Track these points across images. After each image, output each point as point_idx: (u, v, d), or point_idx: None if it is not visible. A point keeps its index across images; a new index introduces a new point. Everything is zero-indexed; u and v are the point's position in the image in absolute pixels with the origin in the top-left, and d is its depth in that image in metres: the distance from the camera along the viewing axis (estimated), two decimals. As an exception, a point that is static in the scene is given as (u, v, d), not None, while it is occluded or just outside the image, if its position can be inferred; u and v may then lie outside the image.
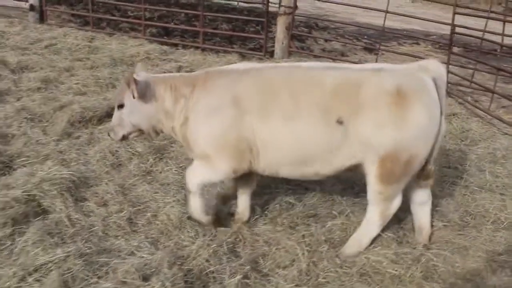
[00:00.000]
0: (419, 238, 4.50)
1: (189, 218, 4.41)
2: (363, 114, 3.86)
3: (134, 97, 4.13)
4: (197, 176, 4.24)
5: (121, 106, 4.25)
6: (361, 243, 4.25)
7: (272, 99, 3.98)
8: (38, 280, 3.55)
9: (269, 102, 3.98)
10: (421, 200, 4.50)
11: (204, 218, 4.35)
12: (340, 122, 3.87)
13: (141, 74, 4.28)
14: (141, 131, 4.41)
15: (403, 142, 3.88)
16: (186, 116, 4.14)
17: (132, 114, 4.24)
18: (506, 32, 9.39)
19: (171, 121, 4.25)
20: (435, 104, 3.97)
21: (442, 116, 4.06)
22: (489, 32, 9.53)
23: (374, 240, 4.35)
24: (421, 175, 4.24)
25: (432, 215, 4.75)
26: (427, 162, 4.17)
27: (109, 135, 4.51)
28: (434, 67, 4.12)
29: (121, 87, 4.31)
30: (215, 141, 4.05)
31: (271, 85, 4.04)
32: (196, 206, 4.31)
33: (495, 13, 10.98)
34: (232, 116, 4.00)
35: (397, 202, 4.18)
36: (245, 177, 4.48)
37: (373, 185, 4.07)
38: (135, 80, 4.08)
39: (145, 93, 4.16)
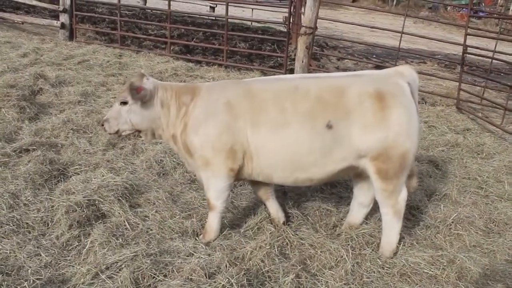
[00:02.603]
0: (346, 230, 4.67)
1: (199, 238, 4.43)
2: (349, 118, 4.04)
3: (135, 101, 4.21)
4: (212, 190, 4.33)
5: (124, 103, 4.25)
6: (392, 242, 4.41)
7: (261, 108, 4.12)
8: (110, 277, 3.71)
9: (258, 111, 4.12)
10: (363, 202, 4.70)
11: (216, 235, 4.43)
12: (329, 126, 4.02)
13: (150, 79, 4.34)
14: (137, 131, 4.43)
15: (389, 141, 4.06)
16: (185, 123, 4.26)
17: (133, 114, 4.26)
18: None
19: (172, 128, 4.33)
20: (411, 105, 4.18)
21: (417, 115, 4.25)
22: (497, 52, 9.75)
23: (407, 241, 4.53)
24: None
25: (456, 223, 4.96)
26: None
27: (102, 125, 4.39)
28: (408, 73, 4.34)
29: (126, 86, 4.31)
30: (212, 143, 4.15)
31: (259, 95, 4.18)
32: (215, 224, 4.41)
33: (504, 34, 11.20)
34: (226, 120, 4.13)
35: (403, 196, 4.32)
36: (261, 185, 4.63)
37: (375, 184, 4.25)
38: (138, 87, 4.14)
39: (151, 98, 4.23)
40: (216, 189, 4.30)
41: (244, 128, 4.12)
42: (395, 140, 4.07)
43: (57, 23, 12.93)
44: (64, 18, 12.78)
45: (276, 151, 4.12)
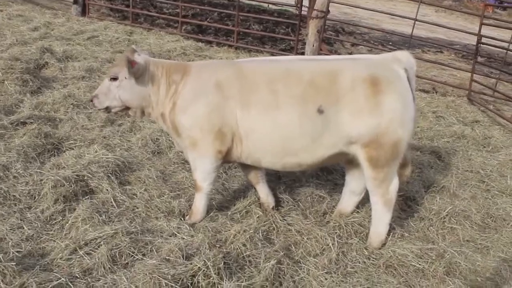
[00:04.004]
0: (335, 218, 4.57)
1: (186, 219, 4.39)
2: (341, 103, 3.91)
3: (127, 77, 4.11)
4: (199, 171, 4.26)
5: (114, 79, 4.14)
6: (380, 233, 4.31)
7: (252, 90, 4.01)
8: (88, 253, 3.70)
9: (249, 92, 4.01)
10: (354, 190, 4.60)
11: (203, 217, 4.38)
12: (320, 111, 3.90)
13: (142, 55, 4.21)
14: (127, 108, 4.30)
15: (381, 128, 3.94)
16: (174, 102, 4.15)
17: (123, 91, 4.15)
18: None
19: (161, 106, 4.22)
20: (407, 92, 4.05)
21: (414, 103, 4.12)
22: (514, 43, 9.49)
23: (397, 232, 4.43)
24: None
25: (450, 216, 4.86)
26: None
27: (91, 101, 4.29)
28: (405, 58, 4.18)
29: (118, 61, 4.24)
30: (200, 123, 4.06)
31: (250, 77, 4.07)
32: (201, 206, 4.35)
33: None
34: (215, 99, 4.04)
35: (394, 186, 4.22)
36: (251, 168, 4.55)
37: (366, 172, 4.14)
38: (133, 61, 4.04)
39: (142, 74, 4.12)
40: (203, 170, 4.23)
41: (234, 109, 4.03)
42: (387, 127, 3.95)
43: (70, -3, 12.93)
44: (77, -7, 12.75)
45: (265, 134, 4.02)
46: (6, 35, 9.51)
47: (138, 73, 4.10)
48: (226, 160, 4.27)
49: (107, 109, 4.30)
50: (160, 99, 4.20)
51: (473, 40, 13.06)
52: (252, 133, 4.05)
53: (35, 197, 4.43)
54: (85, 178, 4.64)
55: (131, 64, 4.02)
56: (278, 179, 5.29)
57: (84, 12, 12.85)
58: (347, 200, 4.68)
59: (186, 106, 4.11)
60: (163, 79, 4.19)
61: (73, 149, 5.34)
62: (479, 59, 10.20)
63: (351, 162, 4.36)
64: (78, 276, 3.46)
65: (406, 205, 5.14)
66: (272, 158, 4.15)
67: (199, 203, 4.35)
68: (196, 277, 3.45)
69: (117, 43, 10.34)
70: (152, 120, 4.46)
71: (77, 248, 3.73)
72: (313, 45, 10.01)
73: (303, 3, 11.32)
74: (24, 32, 10.05)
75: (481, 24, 9.36)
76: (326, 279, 3.78)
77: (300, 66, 4.11)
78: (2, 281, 3.25)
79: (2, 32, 9.72)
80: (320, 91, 3.94)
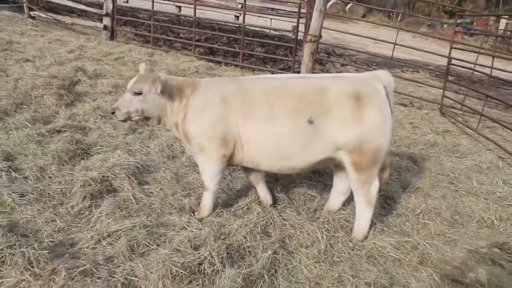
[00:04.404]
0: (324, 214, 4.52)
1: (194, 214, 4.35)
2: (329, 114, 3.89)
3: (156, 92, 4.03)
4: (206, 173, 4.22)
5: (138, 93, 4.05)
6: (363, 227, 4.27)
7: (252, 103, 3.99)
8: (110, 244, 3.67)
9: (249, 105, 3.99)
10: (341, 190, 4.55)
11: (209, 213, 4.34)
12: (310, 122, 3.88)
13: (162, 74, 4.16)
14: (145, 118, 4.21)
15: (363, 137, 3.92)
16: (185, 113, 4.11)
17: (146, 104, 4.07)
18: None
19: (176, 116, 4.17)
20: (386, 105, 4.03)
21: (392, 115, 4.10)
22: (479, 65, 9.43)
23: (378, 227, 4.38)
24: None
25: (424, 213, 4.83)
26: None
27: (112, 113, 4.13)
28: (384, 77, 4.16)
29: (142, 78, 4.10)
30: (207, 132, 4.02)
31: (250, 92, 4.05)
32: (209, 203, 4.31)
33: (485, 49, 10.82)
34: (220, 111, 4.01)
35: (375, 187, 4.18)
36: (252, 170, 4.52)
37: (350, 175, 4.11)
38: (161, 80, 4.01)
39: (164, 90, 4.07)
40: (209, 172, 4.20)
41: (236, 120, 4.00)
42: (369, 136, 3.93)
43: (100, 24, 12.93)
44: (106, 21, 12.74)
45: (263, 141, 4.00)
46: (46, 56, 9.52)
47: (165, 90, 4.08)
48: (230, 163, 4.23)
49: (126, 120, 4.22)
50: (174, 110, 4.16)
51: (445, 61, 13.05)
52: (252, 141, 4.02)
53: (66, 195, 4.40)
54: (109, 178, 4.61)
55: (162, 82, 4.01)
56: (275, 181, 5.24)
57: (112, 36, 12.87)
58: (335, 199, 4.63)
59: (195, 118, 4.08)
60: (177, 93, 4.16)
61: (99, 153, 5.31)
62: (450, 78, 10.11)
63: (338, 166, 4.32)
64: (101, 263, 3.43)
65: (385, 203, 5.09)
66: (269, 162, 4.12)
67: (207, 201, 4.32)
68: (203, 265, 3.41)
69: (139, 63, 10.28)
70: (168, 128, 4.41)
71: (101, 239, 3.70)
72: (308, 65, 9.97)
73: (299, 29, 11.27)
74: (61, 54, 10.05)
75: (451, 48, 9.31)
76: (315, 267, 3.73)
77: (293, 83, 4.09)
78: (36, 266, 3.23)
79: (43, 54, 9.74)
80: (310, 104, 3.92)
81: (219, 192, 4.77)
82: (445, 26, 29.34)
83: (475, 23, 29.42)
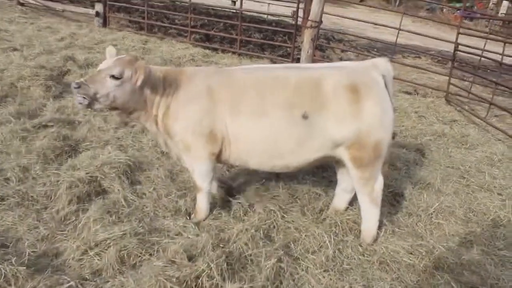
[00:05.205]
0: (331, 215, 4.20)
1: (191, 217, 4.01)
2: (324, 109, 3.59)
3: (136, 84, 3.50)
4: (197, 173, 3.87)
5: (116, 77, 3.44)
6: (371, 229, 3.95)
7: (241, 96, 3.64)
8: (98, 254, 3.33)
9: (238, 99, 3.64)
10: (346, 188, 4.26)
11: (206, 215, 4.01)
12: (305, 117, 3.58)
13: (147, 65, 3.62)
14: (112, 108, 3.63)
15: (362, 131, 3.62)
16: (168, 105, 3.70)
17: (121, 91, 3.48)
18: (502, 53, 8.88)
19: (156, 109, 3.71)
20: (385, 96, 3.72)
21: (392, 105, 3.79)
22: (487, 51, 9.05)
23: (388, 228, 4.06)
24: None
25: (437, 212, 4.51)
26: None
27: (76, 88, 3.37)
28: (383, 65, 3.85)
29: (123, 62, 3.51)
30: (192, 127, 3.65)
31: (240, 83, 3.70)
32: (204, 205, 3.98)
33: (494, 35, 10.42)
34: (206, 106, 3.64)
35: (379, 184, 3.87)
36: None
37: (351, 172, 3.81)
38: (145, 71, 3.49)
39: (145, 84, 3.58)
40: (200, 172, 3.85)
41: (223, 114, 3.64)
42: (368, 130, 3.61)
43: (92, 11, 12.45)
44: (99, 7, 12.26)
45: (253, 138, 3.66)
46: (35, 45, 9.07)
47: (145, 84, 3.60)
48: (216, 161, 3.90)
49: (90, 104, 3.46)
50: (156, 103, 3.71)
51: (446, 47, 12.67)
52: (241, 137, 3.68)
53: (51, 198, 4.03)
54: (98, 179, 4.24)
55: (145, 74, 3.49)
56: (276, 177, 4.88)
57: (105, 23, 12.40)
58: (340, 198, 4.31)
59: (178, 111, 3.68)
60: (159, 84, 3.71)
61: (89, 150, 4.93)
62: (456, 64, 9.73)
63: (339, 162, 3.99)
64: (88, 278, 3.10)
65: (395, 201, 4.75)
66: (260, 160, 3.79)
67: (201, 202, 3.97)
68: (200, 279, 3.07)
69: (133, 51, 9.89)
70: (142, 123, 3.91)
71: (88, 249, 3.35)
72: (308, 52, 9.58)
73: (298, 14, 10.83)
74: (51, 43, 9.61)
75: (458, 33, 8.91)
76: (324, 277, 3.40)
77: (286, 74, 3.73)
78: (14, 283, 2.88)
79: (32, 42, 9.28)
80: (304, 98, 3.59)
81: (216, 190, 4.43)
82: (445, 10, 28.83)
83: (475, 6, 28.88)
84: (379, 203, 3.91)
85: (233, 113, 3.63)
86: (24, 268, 2.97)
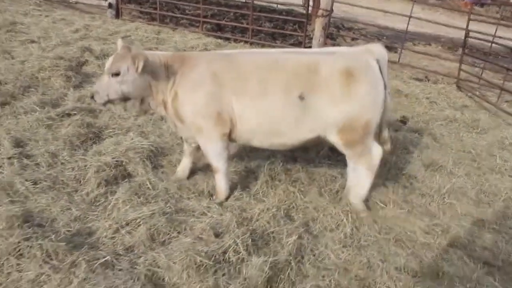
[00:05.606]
0: (348, 195, 4.30)
1: (213, 199, 4.19)
2: (320, 91, 3.81)
3: (137, 71, 3.76)
4: (211, 154, 4.08)
5: (116, 74, 3.78)
6: (361, 196, 4.20)
7: (243, 79, 3.86)
8: (129, 233, 3.52)
9: (241, 81, 3.86)
10: (355, 167, 4.33)
11: (227, 194, 4.20)
12: (301, 97, 3.79)
13: (142, 51, 3.89)
14: (127, 99, 3.95)
15: (354, 113, 3.84)
16: (176, 91, 3.92)
17: (126, 84, 3.80)
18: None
19: (162, 94, 3.96)
20: (378, 80, 3.93)
21: (387, 90, 4.01)
22: (498, 37, 9.10)
23: (404, 208, 4.22)
24: (379, 141, 4.23)
25: (449, 193, 4.66)
26: (380, 130, 4.22)
27: (92, 97, 3.89)
28: (377, 50, 4.07)
29: (119, 57, 3.82)
30: (201, 111, 3.88)
31: (242, 67, 3.91)
32: (223, 184, 4.16)
33: (505, 20, 10.43)
34: (212, 90, 3.85)
35: (376, 152, 4.08)
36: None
37: (346, 152, 4.06)
38: (143, 57, 3.73)
39: (145, 68, 3.79)
40: (214, 152, 4.06)
41: (228, 97, 3.86)
42: (359, 112, 3.86)
43: (105, 2, 12.58)
44: (111, -2, 12.43)
45: (255, 117, 3.89)
46: (52, 37, 9.24)
47: (146, 69, 3.81)
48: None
49: (106, 103, 3.94)
50: (161, 88, 3.95)
51: (456, 33, 12.68)
52: (244, 116, 3.90)
53: (80, 181, 4.24)
54: (123, 163, 4.44)
55: (143, 61, 3.73)
56: (294, 160, 5.04)
57: (117, 15, 12.53)
58: (353, 177, 4.43)
59: (187, 97, 3.90)
60: (161, 70, 3.92)
61: (112, 137, 5.13)
62: (466, 51, 9.79)
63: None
64: (122, 254, 3.29)
65: (408, 183, 4.90)
66: (260, 138, 4.03)
67: (220, 182, 4.17)
68: (227, 254, 3.27)
69: (147, 41, 10.05)
70: (152, 108, 4.14)
71: (119, 227, 3.55)
72: (319, 40, 9.69)
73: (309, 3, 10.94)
74: (66, 34, 9.78)
75: (469, 20, 8.97)
76: (343, 252, 3.60)
77: (285, 58, 3.97)
78: (55, 258, 3.10)
79: (48, 34, 9.45)
80: (301, 80, 3.81)
81: (236, 173, 4.61)
82: (454, -4, 28.59)
83: (485, -8, 28.63)
84: (375, 171, 4.12)
85: (237, 95, 3.85)
86: (64, 244, 3.18)
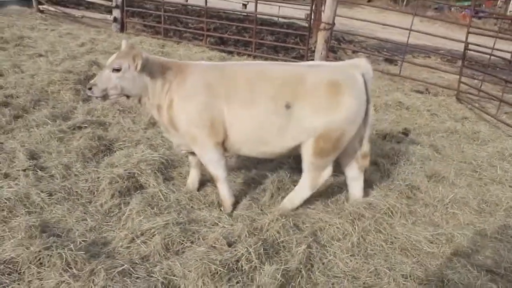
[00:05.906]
0: (352, 205, 4.44)
1: (220, 207, 4.34)
2: (304, 101, 3.93)
3: (136, 69, 3.91)
4: (209, 163, 4.20)
5: (117, 70, 3.90)
6: (294, 203, 4.33)
7: (234, 89, 3.98)
8: (144, 242, 3.64)
9: (231, 91, 3.98)
10: (353, 176, 4.56)
11: (232, 201, 4.32)
12: (288, 106, 3.92)
13: (143, 52, 4.05)
14: (124, 95, 4.10)
15: (334, 124, 3.97)
16: (171, 99, 4.04)
17: (125, 81, 3.93)
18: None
19: (157, 99, 4.08)
20: (362, 94, 4.06)
21: (369, 105, 4.16)
22: (496, 49, 9.29)
23: (410, 219, 4.33)
24: (359, 156, 4.41)
25: (452, 203, 4.76)
26: (361, 144, 4.36)
27: (89, 89, 3.96)
28: (363, 65, 4.19)
29: (122, 54, 3.97)
30: (195, 120, 3.99)
31: (232, 78, 4.04)
32: (226, 192, 4.28)
33: (503, 33, 10.64)
34: (205, 100, 3.97)
35: (327, 172, 4.23)
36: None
37: (307, 158, 4.13)
38: (142, 56, 3.89)
39: (144, 68, 3.94)
40: (210, 161, 4.18)
41: (221, 106, 3.99)
42: (339, 124, 3.99)
43: (110, 17, 12.83)
44: (116, 13, 12.64)
45: (245, 126, 4.02)
46: (59, 51, 9.44)
47: (145, 68, 3.97)
48: None
49: (104, 97, 4.04)
50: (157, 91, 4.07)
51: (455, 46, 12.88)
52: (234, 126, 4.03)
53: (94, 193, 4.37)
54: (135, 175, 4.56)
55: (142, 60, 3.90)
56: (300, 172, 5.13)
57: (122, 29, 12.77)
58: (354, 187, 4.61)
59: (181, 106, 4.02)
60: (159, 74, 4.05)
61: (122, 149, 5.26)
62: (466, 63, 9.97)
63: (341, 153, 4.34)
64: (138, 263, 3.40)
65: (411, 193, 5.02)
66: (249, 146, 4.15)
67: (223, 191, 4.30)
68: (240, 262, 3.38)
69: (152, 55, 10.21)
70: (147, 109, 4.29)
71: (135, 237, 3.66)
72: (321, 53, 9.88)
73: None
74: (73, 48, 9.98)
75: (468, 33, 9.17)
76: (351, 260, 3.71)
77: (274, 69, 4.13)
78: (75, 267, 3.21)
79: (55, 48, 9.66)
80: (288, 90, 3.95)
81: (245, 184, 4.73)
82: (452, 9, 28.96)
83: (483, 4, 29.01)
84: (316, 188, 4.29)
85: (229, 105, 3.98)
86: (83, 253, 3.30)
